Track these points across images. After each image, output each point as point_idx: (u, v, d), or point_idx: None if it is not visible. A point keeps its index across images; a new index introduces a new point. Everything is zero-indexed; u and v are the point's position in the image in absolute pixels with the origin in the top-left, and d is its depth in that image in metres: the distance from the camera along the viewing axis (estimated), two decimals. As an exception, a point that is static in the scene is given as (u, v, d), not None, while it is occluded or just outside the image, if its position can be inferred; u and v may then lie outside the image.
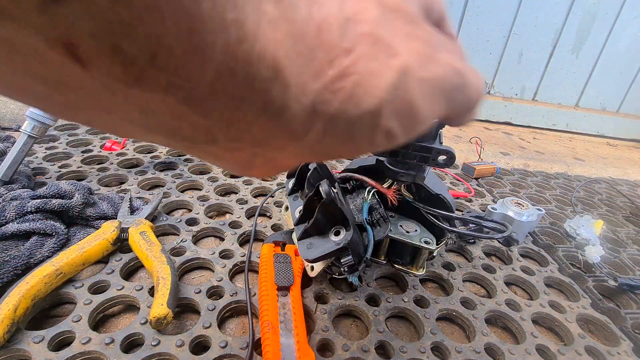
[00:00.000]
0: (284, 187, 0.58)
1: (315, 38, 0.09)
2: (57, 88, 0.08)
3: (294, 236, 0.44)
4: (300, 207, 0.44)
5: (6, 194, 0.46)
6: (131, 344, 0.34)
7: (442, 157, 0.39)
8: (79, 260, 0.39)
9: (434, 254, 0.49)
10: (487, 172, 0.84)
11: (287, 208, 0.52)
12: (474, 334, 0.40)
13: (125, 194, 0.53)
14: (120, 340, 0.33)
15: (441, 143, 0.38)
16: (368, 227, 0.42)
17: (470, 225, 0.51)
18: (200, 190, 0.60)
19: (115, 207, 0.49)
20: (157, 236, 0.45)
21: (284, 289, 0.38)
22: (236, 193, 0.61)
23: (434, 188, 0.45)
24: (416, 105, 0.11)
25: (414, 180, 0.43)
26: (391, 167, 0.42)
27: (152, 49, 0.07)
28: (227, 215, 0.56)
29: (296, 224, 0.44)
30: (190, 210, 0.55)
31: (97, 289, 0.39)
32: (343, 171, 0.48)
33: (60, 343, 0.33)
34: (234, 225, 0.53)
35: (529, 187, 0.84)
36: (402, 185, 0.45)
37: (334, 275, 0.43)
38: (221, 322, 0.38)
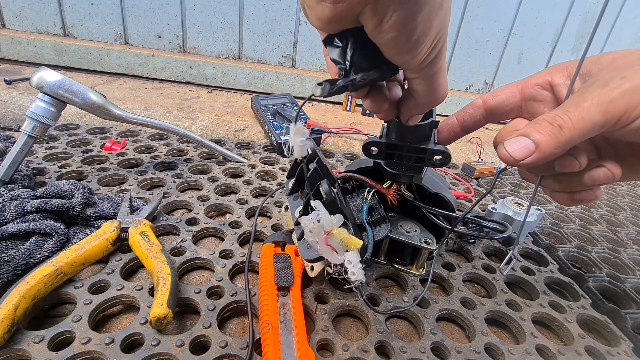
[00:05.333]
0: (284, 187, 0.58)
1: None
2: None
3: (294, 236, 0.44)
4: (300, 207, 0.44)
5: (6, 194, 0.46)
6: (131, 344, 0.34)
7: (437, 157, 0.39)
8: (79, 260, 0.39)
9: (434, 254, 0.49)
10: (487, 172, 0.84)
11: (287, 208, 0.52)
12: (474, 334, 0.40)
13: (125, 194, 0.53)
14: (120, 340, 0.33)
15: (435, 143, 0.38)
16: (368, 227, 0.42)
17: (471, 225, 0.51)
18: (200, 190, 0.60)
19: (115, 207, 0.49)
20: (157, 236, 0.45)
21: (284, 289, 0.38)
22: (236, 193, 0.61)
23: (434, 187, 0.45)
24: None
25: (412, 181, 0.43)
26: (388, 169, 0.42)
27: None
28: (227, 215, 0.56)
29: (296, 224, 0.44)
30: (190, 210, 0.55)
31: (97, 289, 0.39)
32: (343, 172, 0.48)
33: (60, 343, 0.33)
34: (234, 225, 0.53)
35: (529, 187, 0.84)
36: (402, 185, 0.45)
37: (334, 275, 0.43)
38: (221, 322, 0.38)
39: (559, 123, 0.24)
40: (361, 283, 0.31)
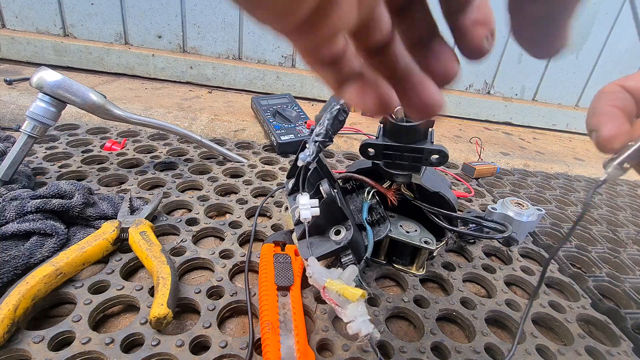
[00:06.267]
0: (284, 187, 0.58)
1: None
2: None
3: (294, 236, 0.44)
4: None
5: (6, 194, 0.46)
6: (131, 343, 0.34)
7: (434, 157, 0.39)
8: (79, 260, 0.39)
9: (434, 254, 0.49)
10: (487, 172, 0.84)
11: (287, 208, 0.52)
12: (474, 334, 0.40)
13: (125, 194, 0.53)
14: (120, 340, 0.33)
15: (432, 142, 0.38)
16: (368, 226, 0.42)
17: (471, 225, 0.51)
18: (200, 190, 0.60)
19: (115, 207, 0.49)
20: (157, 236, 0.45)
21: (284, 289, 0.38)
22: (236, 193, 0.61)
23: (434, 186, 0.45)
24: None
25: (411, 181, 0.43)
26: (387, 169, 0.42)
27: None
28: (227, 215, 0.56)
29: (296, 224, 0.44)
30: (190, 210, 0.55)
31: (97, 289, 0.39)
32: (343, 172, 0.48)
33: (60, 343, 0.33)
34: (234, 225, 0.52)
35: (529, 187, 0.84)
36: (402, 185, 0.45)
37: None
38: (221, 322, 0.38)
39: None
40: (376, 338, 0.28)
